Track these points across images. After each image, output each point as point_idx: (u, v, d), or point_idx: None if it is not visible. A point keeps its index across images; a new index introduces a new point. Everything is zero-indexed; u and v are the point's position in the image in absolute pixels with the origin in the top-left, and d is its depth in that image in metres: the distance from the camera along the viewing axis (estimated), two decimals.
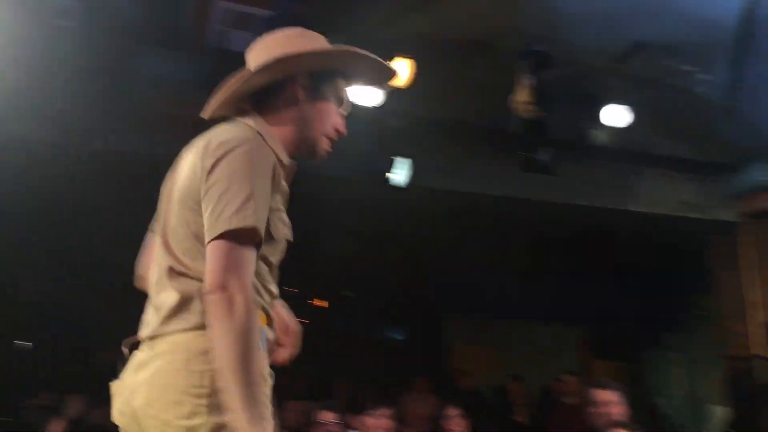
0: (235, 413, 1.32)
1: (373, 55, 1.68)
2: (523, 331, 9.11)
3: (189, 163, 1.55)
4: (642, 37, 4.66)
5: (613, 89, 4.81)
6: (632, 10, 4.43)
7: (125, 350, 1.55)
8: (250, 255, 1.43)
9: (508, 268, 7.25)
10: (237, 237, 1.41)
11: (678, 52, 4.79)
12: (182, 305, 1.47)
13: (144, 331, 1.54)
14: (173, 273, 1.51)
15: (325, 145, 1.70)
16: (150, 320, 1.53)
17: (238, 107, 1.67)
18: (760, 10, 4.38)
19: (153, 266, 1.59)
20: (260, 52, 1.67)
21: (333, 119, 1.70)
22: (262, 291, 1.54)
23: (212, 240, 1.42)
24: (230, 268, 1.39)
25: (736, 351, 6.27)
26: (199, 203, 1.48)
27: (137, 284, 1.71)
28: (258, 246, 1.45)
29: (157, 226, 1.62)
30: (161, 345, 1.47)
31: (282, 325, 1.73)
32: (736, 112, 5.28)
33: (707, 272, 6.66)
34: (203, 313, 1.42)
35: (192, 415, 1.39)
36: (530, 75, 4.26)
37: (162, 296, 1.51)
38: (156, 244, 1.59)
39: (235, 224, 1.40)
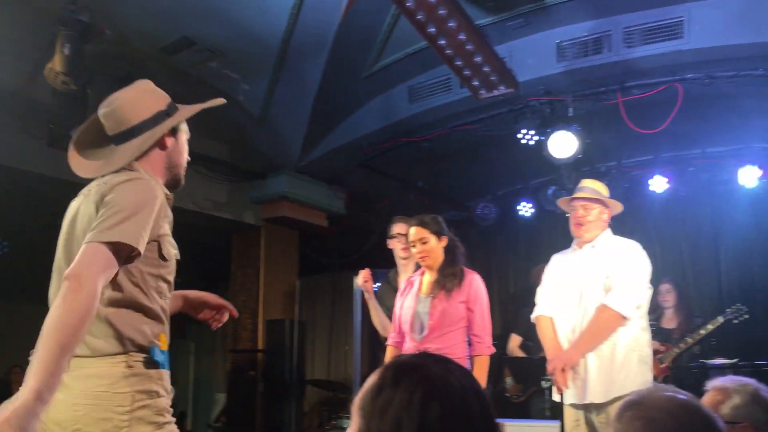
0: (36, 378, 1.46)
1: (210, 105, 2.15)
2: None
3: (81, 208, 1.87)
4: (193, 34, 4.70)
5: (157, 78, 4.74)
6: (189, 5, 4.44)
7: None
8: (112, 263, 1.72)
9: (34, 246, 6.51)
10: (109, 246, 1.70)
11: (224, 56, 4.98)
12: None
13: None
14: None
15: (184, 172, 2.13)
16: None
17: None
18: (296, 35, 4.82)
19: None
20: (124, 113, 1.98)
21: (186, 150, 2.14)
22: (164, 310, 1.91)
23: (86, 243, 1.70)
24: (91, 265, 1.66)
25: (242, 344, 6.78)
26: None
27: None
28: (126, 260, 1.77)
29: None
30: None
31: (200, 300, 2.30)
32: (266, 125, 5.73)
33: (228, 269, 7.08)
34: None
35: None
36: (69, 44, 3.87)
37: None
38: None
39: (108, 237, 1.71)
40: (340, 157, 6.18)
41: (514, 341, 5.91)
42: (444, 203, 7.26)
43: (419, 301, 3.57)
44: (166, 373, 1.87)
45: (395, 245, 4.15)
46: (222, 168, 6.25)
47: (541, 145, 5.14)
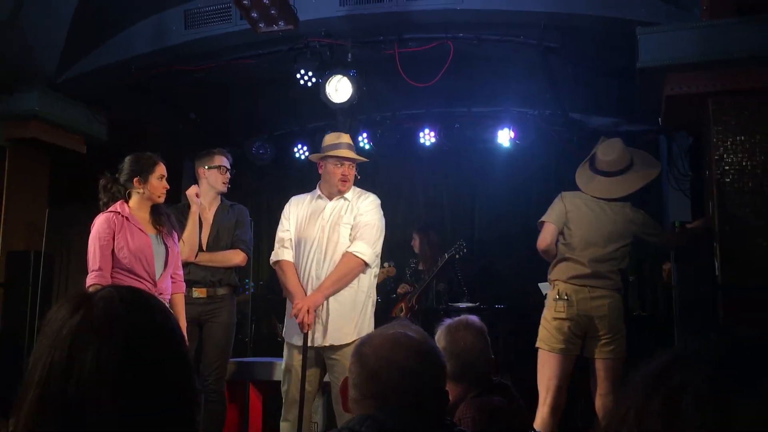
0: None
1: None
2: None
3: None
4: None
5: None
6: None
7: None
8: None
9: None
10: None
11: None
12: None
13: None
14: None
15: None
16: None
17: None
18: None
19: None
20: None
21: None
22: None
23: None
24: None
25: None
26: None
27: None
28: None
29: None
30: None
31: None
32: (15, 31, 5.04)
33: None
34: None
35: None
36: None
37: None
38: None
39: None
40: (104, 78, 5.64)
41: None
42: (218, 138, 6.99)
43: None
44: None
45: (216, 177, 4.37)
46: None
47: (318, 89, 5.12)
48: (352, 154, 3.81)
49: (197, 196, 4.25)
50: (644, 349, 2.97)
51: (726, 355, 0.55)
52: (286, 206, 3.89)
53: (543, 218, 4.10)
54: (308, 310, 3.49)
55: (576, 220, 3.95)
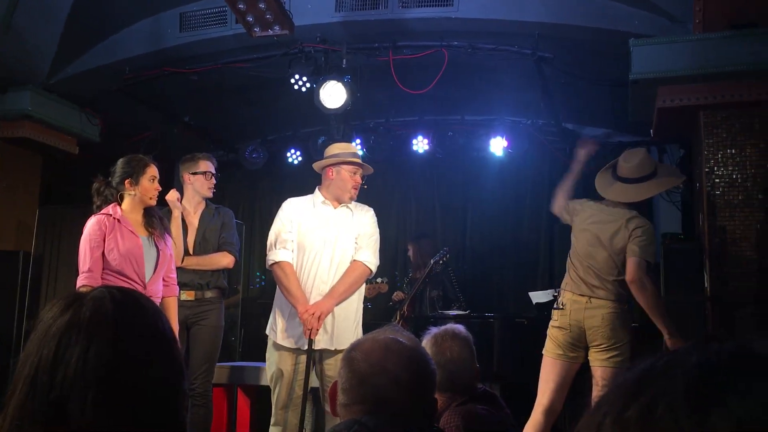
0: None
1: None
2: None
3: None
4: None
5: None
6: None
7: None
8: None
9: None
10: None
11: None
12: None
13: None
14: None
15: None
16: None
17: None
18: None
19: None
20: None
21: None
22: None
23: None
24: None
25: None
26: None
27: None
28: None
29: None
30: None
31: None
32: (10, 31, 5.02)
33: None
34: None
35: None
36: None
37: None
38: None
39: None
40: (97, 80, 5.63)
41: None
42: (211, 142, 6.99)
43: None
44: None
45: (201, 182, 4.33)
46: None
47: (312, 94, 5.12)
48: (364, 164, 3.88)
49: (178, 200, 4.21)
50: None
51: (702, 363, 0.55)
52: (286, 207, 3.82)
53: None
54: (320, 316, 3.53)
55: (580, 226, 3.90)
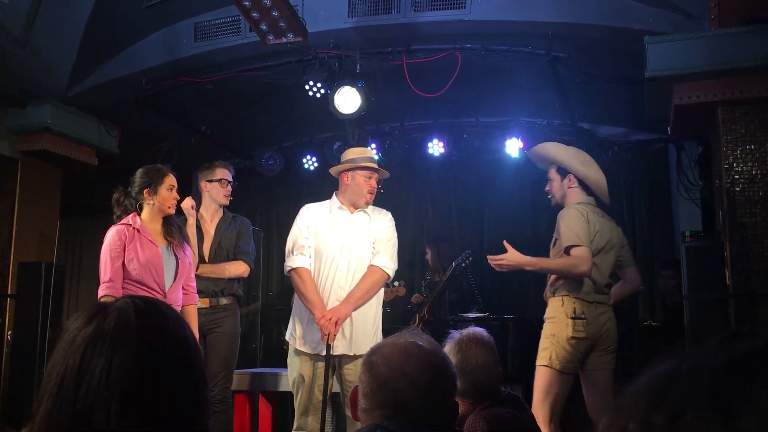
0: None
1: None
2: None
3: None
4: None
5: None
6: None
7: None
8: None
9: None
10: None
11: None
12: None
13: None
14: None
15: None
16: None
17: None
18: None
19: None
20: None
21: None
22: None
23: None
24: None
25: None
26: None
27: None
28: None
29: None
30: None
31: None
32: (29, 46, 5.10)
33: None
34: None
35: None
36: None
37: None
38: None
39: None
40: (115, 91, 5.69)
41: None
42: (228, 150, 7.04)
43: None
44: None
45: (217, 190, 4.40)
46: None
47: (327, 99, 5.14)
48: (379, 168, 3.88)
49: (192, 207, 4.26)
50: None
51: (727, 363, 0.53)
52: (303, 213, 3.82)
53: (574, 242, 3.64)
54: (337, 322, 3.53)
55: (601, 245, 3.81)
